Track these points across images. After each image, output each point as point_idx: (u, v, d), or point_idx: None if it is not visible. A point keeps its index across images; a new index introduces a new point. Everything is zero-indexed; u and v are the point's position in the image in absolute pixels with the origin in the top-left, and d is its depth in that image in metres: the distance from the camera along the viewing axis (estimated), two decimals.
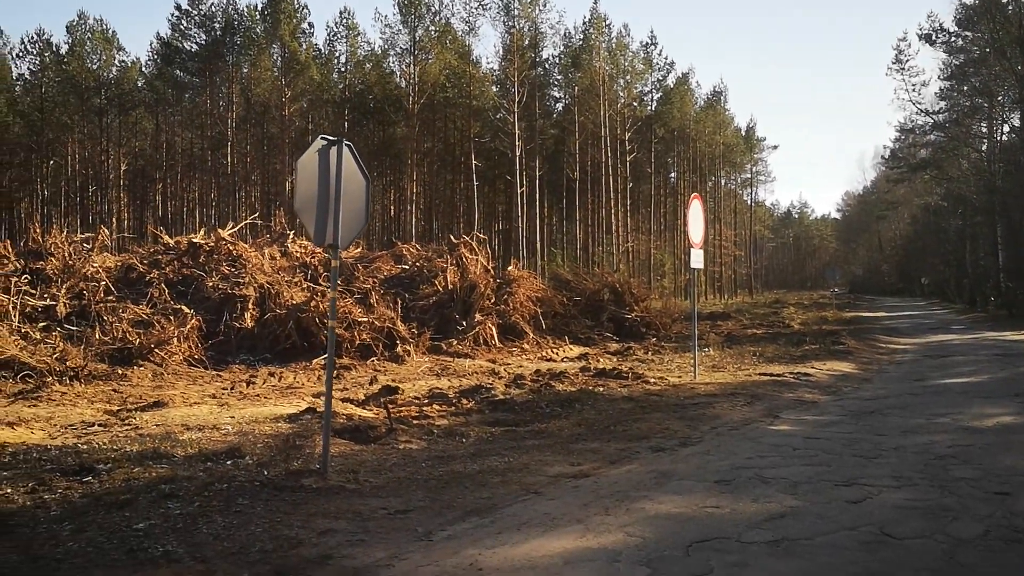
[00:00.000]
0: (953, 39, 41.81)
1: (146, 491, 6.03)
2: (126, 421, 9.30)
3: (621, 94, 58.81)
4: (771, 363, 16.15)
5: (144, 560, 4.64)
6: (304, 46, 54.41)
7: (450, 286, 19.80)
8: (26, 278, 16.18)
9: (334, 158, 6.88)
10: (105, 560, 4.63)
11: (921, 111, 44.79)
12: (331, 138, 6.98)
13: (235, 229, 21.30)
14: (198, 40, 55.08)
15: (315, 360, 15.28)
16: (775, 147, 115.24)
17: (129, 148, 59.43)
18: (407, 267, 21.57)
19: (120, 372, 13.19)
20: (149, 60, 58.85)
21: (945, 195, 51.53)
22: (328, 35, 58.44)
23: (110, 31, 58.53)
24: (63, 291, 15.86)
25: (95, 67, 56.38)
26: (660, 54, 64.65)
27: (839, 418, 9.76)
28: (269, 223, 28.23)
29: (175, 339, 14.79)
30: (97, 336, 14.21)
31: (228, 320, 16.26)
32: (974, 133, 43.99)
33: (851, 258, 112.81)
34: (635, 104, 61.04)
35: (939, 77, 45.76)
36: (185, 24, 55.08)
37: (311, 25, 67.48)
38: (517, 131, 47.64)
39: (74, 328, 14.75)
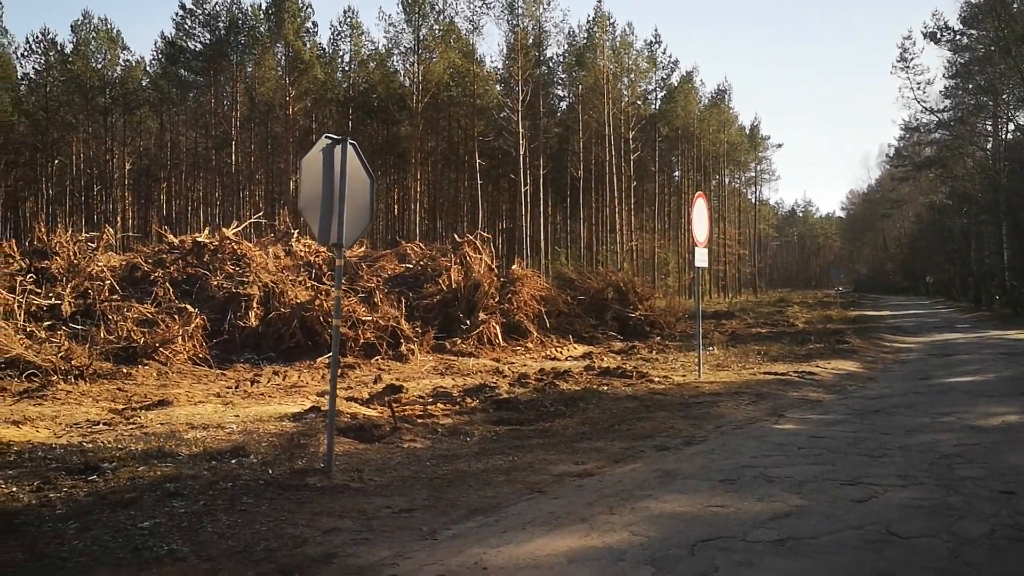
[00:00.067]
0: (958, 37, 41.74)
1: (151, 490, 6.04)
2: (131, 420, 9.32)
3: (625, 92, 58.75)
4: (775, 362, 16.12)
5: (149, 559, 4.64)
6: (308, 45, 54.51)
7: (454, 285, 19.80)
8: (31, 277, 16.22)
9: (338, 157, 6.88)
10: (110, 559, 4.64)
11: (926, 109, 44.68)
12: (335, 137, 6.97)
13: (239, 228, 21.33)
14: (202, 39, 55.21)
15: (319, 359, 15.30)
16: (779, 145, 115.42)
17: (134, 147, 59.56)
18: (411, 266, 21.58)
19: (125, 371, 13.21)
20: (153, 59, 59.13)
21: (950, 193, 51.44)
22: (332, 34, 58.59)
23: (114, 30, 58.70)
24: (68, 290, 15.88)
25: (100, 66, 56.53)
26: (664, 52, 64.84)
27: (844, 417, 9.74)
28: (273, 222, 28.27)
29: (180, 338, 14.81)
30: (102, 335, 14.23)
31: (232, 319, 16.28)
32: (979, 131, 43.92)
33: (855, 257, 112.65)
34: (639, 103, 60.99)
35: (944, 75, 45.75)
36: (189, 23, 55.21)
37: (315, 24, 67.47)
38: (521, 130, 47.61)
39: (79, 327, 14.77)
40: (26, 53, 57.55)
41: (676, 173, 74.10)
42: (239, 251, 18.84)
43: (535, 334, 20.13)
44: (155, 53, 59.04)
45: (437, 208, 59.40)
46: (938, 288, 62.80)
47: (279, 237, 22.13)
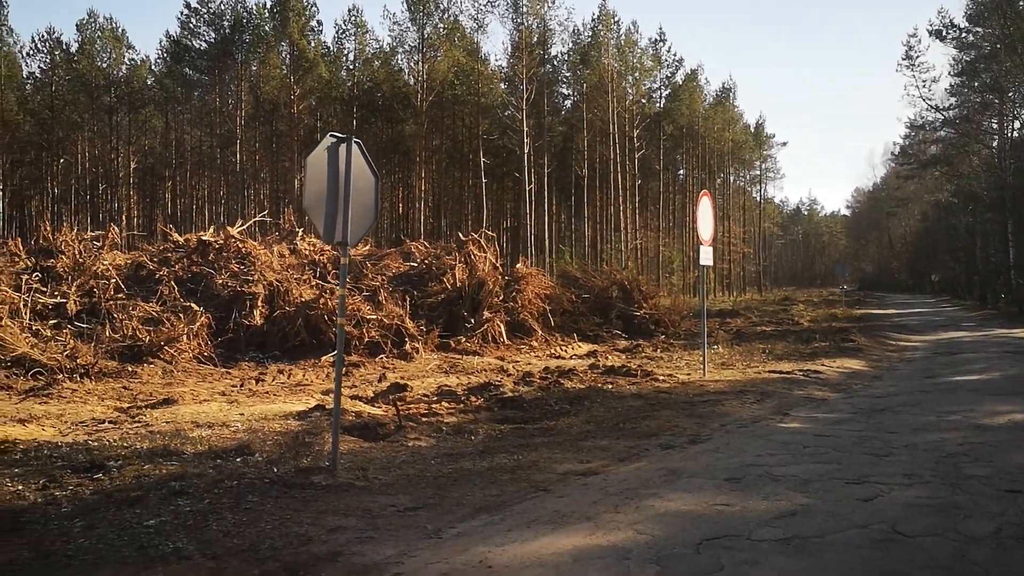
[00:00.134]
0: (964, 35, 41.65)
1: (156, 488, 6.05)
2: (136, 418, 9.33)
3: (630, 91, 58.70)
4: (781, 360, 16.10)
5: (155, 557, 4.65)
6: (313, 44, 54.58)
7: (458, 283, 19.79)
8: (37, 276, 16.25)
9: (343, 156, 6.88)
10: (116, 557, 4.64)
11: (931, 107, 44.68)
12: (340, 136, 6.97)
13: (244, 227, 21.35)
14: (207, 38, 55.29)
15: (324, 357, 15.31)
16: (784, 144, 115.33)
17: (139, 146, 59.67)
18: (416, 264, 21.57)
19: (130, 369, 13.22)
20: (159, 58, 59.18)
21: (955, 192, 51.35)
22: (337, 33, 58.54)
23: (120, 29, 58.83)
24: (74, 289, 15.91)
25: (105, 65, 56.63)
26: (669, 51, 64.81)
27: (849, 416, 9.73)
28: (278, 221, 28.25)
29: (185, 336, 14.83)
30: (107, 333, 14.25)
31: (237, 317, 16.29)
32: (984, 129, 43.82)
33: (861, 255, 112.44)
34: (644, 101, 60.95)
35: (949, 73, 45.64)
36: (195, 22, 55.29)
37: (320, 23, 67.51)
38: (525, 128, 47.60)
39: (84, 325, 14.80)
40: (32, 52, 57.81)
41: (681, 171, 74.07)
42: (244, 250, 18.86)
43: (539, 333, 20.12)
44: (160, 52, 59.21)
45: (441, 207, 59.42)
46: (943, 286, 62.70)
47: (284, 236, 22.14)
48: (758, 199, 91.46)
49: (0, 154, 55.13)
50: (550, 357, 17.74)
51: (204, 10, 54.96)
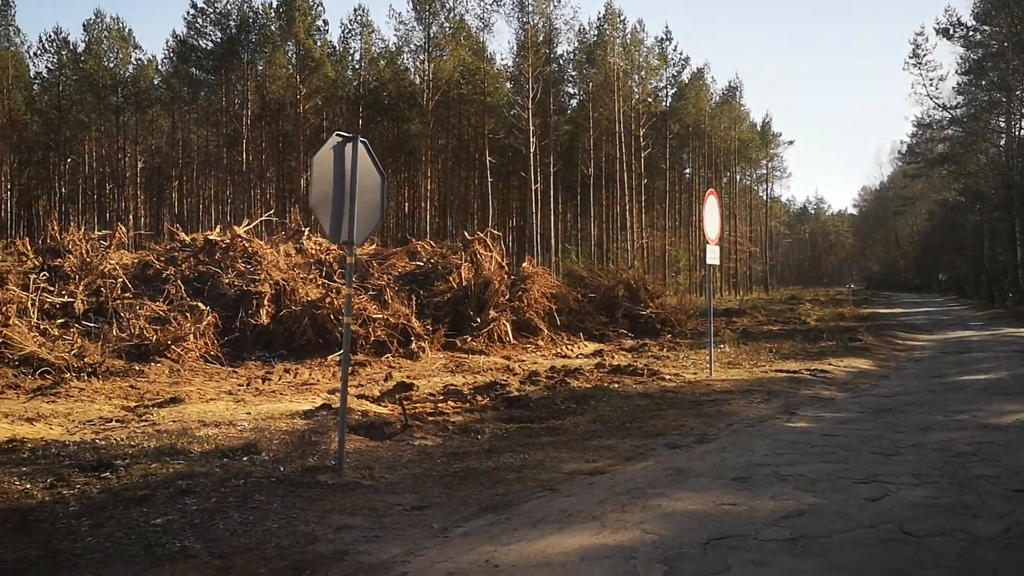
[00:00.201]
0: (971, 33, 41.53)
1: (163, 487, 6.06)
2: (143, 417, 9.35)
3: (636, 90, 58.66)
4: (787, 360, 16.07)
5: (162, 556, 4.66)
6: (319, 43, 54.63)
7: (464, 283, 19.79)
8: (44, 275, 16.30)
9: (349, 155, 6.88)
10: (123, 555, 4.65)
11: (938, 106, 44.53)
12: (346, 135, 6.98)
13: (251, 226, 21.38)
14: (214, 38, 55.38)
15: (330, 356, 15.32)
16: (791, 142, 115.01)
17: (145, 146, 59.82)
18: (422, 264, 21.58)
19: (137, 368, 13.26)
20: (165, 58, 59.35)
21: (963, 190, 51.21)
22: (343, 32, 58.74)
23: (126, 29, 58.99)
24: (81, 288, 15.96)
25: (112, 65, 56.82)
26: (675, 49, 64.62)
27: (857, 415, 9.70)
28: (284, 220, 28.32)
29: (191, 336, 14.86)
30: (114, 333, 14.29)
31: (244, 317, 16.32)
32: (992, 128, 43.66)
33: (868, 254, 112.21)
34: (650, 100, 60.90)
35: (957, 72, 45.48)
36: (201, 22, 55.39)
37: (325, 22, 67.63)
38: (531, 127, 47.61)
39: (92, 325, 14.84)
40: (39, 52, 58.03)
41: (687, 170, 73.99)
42: (250, 249, 18.89)
43: (546, 332, 20.12)
44: (167, 52, 59.39)
45: (448, 206, 59.45)
46: (951, 285, 62.52)
47: (290, 235, 22.17)
48: (764, 198, 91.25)
49: (8, 154, 55.34)
50: (556, 356, 17.73)
51: (210, 10, 55.07)
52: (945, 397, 11.01)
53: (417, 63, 54.00)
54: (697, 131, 68.03)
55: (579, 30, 58.37)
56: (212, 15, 55.16)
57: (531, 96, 47.96)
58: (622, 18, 58.20)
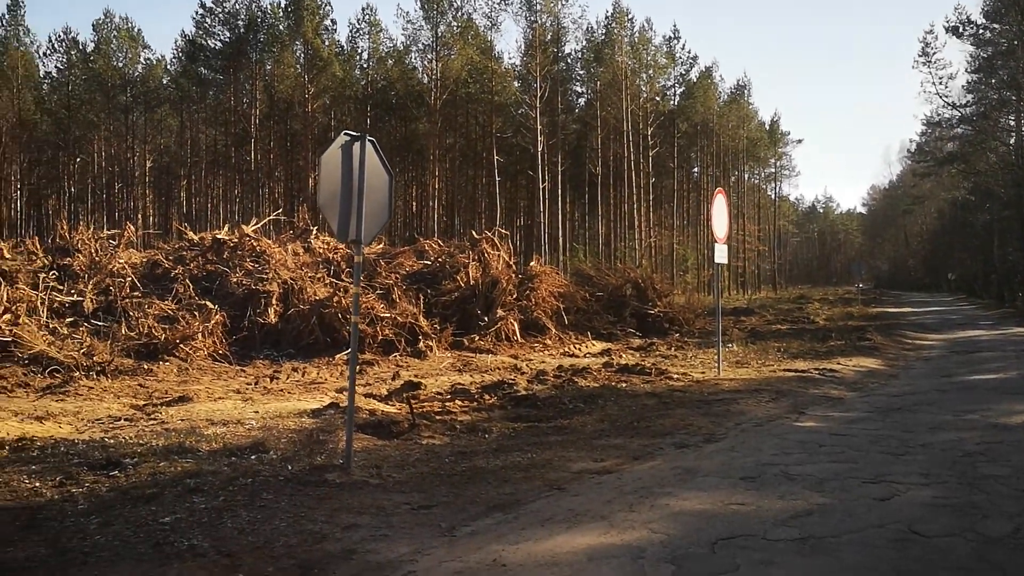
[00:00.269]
0: (981, 31, 41.29)
1: (172, 485, 6.08)
2: (152, 416, 9.38)
3: (644, 88, 58.58)
4: (796, 359, 16.02)
5: (170, 554, 4.67)
6: (327, 43, 54.77)
7: (472, 282, 19.79)
8: (54, 274, 16.37)
9: (357, 154, 6.88)
10: (132, 554, 4.67)
11: (948, 104, 44.31)
12: (354, 134, 6.98)
13: (259, 225, 21.45)
14: (222, 37, 55.56)
15: (338, 355, 15.34)
16: (799, 141, 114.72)
17: (154, 145, 60.05)
18: (429, 263, 21.58)
19: (146, 367, 13.30)
20: (174, 58, 59.50)
21: (972, 189, 51.00)
22: (351, 31, 58.78)
23: (135, 29, 59.22)
24: (90, 287, 16.02)
25: (121, 65, 57.04)
26: (683, 48, 64.50)
27: (866, 415, 9.66)
28: (292, 219, 28.38)
29: (200, 334, 14.89)
30: (123, 331, 14.33)
31: (252, 316, 16.35)
32: (1002, 126, 43.42)
33: (877, 253, 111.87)
34: (658, 98, 60.82)
35: (966, 70, 45.23)
36: (209, 22, 55.56)
37: (334, 22, 67.81)
38: (539, 126, 47.59)
39: (101, 323, 14.89)
40: (48, 52, 58.36)
41: (695, 169, 73.86)
42: (258, 248, 18.93)
43: (553, 331, 20.10)
44: (175, 51, 59.57)
45: (455, 205, 59.48)
46: (960, 285, 62.26)
47: (298, 234, 22.20)
48: (773, 197, 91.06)
49: (18, 153, 55.63)
50: (564, 355, 17.72)
51: (219, 9, 55.22)
52: (955, 397, 10.96)
53: (425, 62, 54.12)
54: (705, 130, 67.91)
55: (587, 29, 58.47)
56: (221, 15, 55.34)
57: (539, 95, 47.94)
58: (630, 17, 58.28)
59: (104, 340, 13.82)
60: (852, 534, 4.91)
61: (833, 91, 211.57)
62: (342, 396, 10.49)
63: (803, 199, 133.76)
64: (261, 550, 4.76)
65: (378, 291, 18.28)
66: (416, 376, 13.34)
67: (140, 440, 7.85)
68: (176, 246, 20.35)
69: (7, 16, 56.61)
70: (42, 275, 16.00)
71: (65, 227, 20.02)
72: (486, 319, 18.98)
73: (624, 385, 12.27)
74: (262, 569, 4.48)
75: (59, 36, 58.08)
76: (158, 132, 60.71)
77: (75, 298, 15.65)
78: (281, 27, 54.75)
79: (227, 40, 55.14)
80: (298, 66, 54.34)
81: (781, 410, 10.14)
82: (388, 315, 16.93)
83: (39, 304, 14.83)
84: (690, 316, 24.83)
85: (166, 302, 15.89)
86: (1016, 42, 37.86)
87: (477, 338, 18.16)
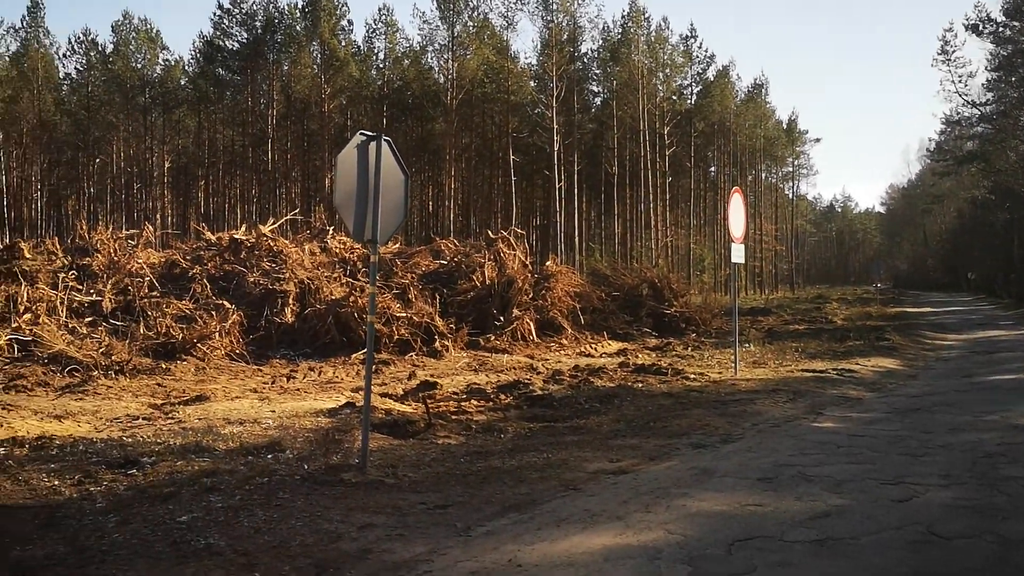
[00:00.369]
0: (1001, 29, 40.88)
1: (189, 484, 6.11)
2: (169, 415, 9.43)
3: (660, 88, 58.44)
4: (814, 359, 15.92)
5: (187, 552, 4.69)
6: (343, 43, 54.95)
7: (488, 281, 19.79)
8: (73, 274, 16.51)
9: (373, 154, 6.89)
10: (149, 552, 4.69)
11: (967, 103, 43.91)
12: (370, 134, 6.99)
13: (276, 225, 21.53)
14: (240, 38, 55.83)
15: (354, 355, 15.37)
16: (817, 140, 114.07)
17: (172, 146, 60.45)
18: (445, 262, 21.60)
19: (163, 366, 13.37)
20: (192, 59, 59.86)
21: (992, 188, 50.55)
22: (367, 32, 59.01)
23: (154, 30, 59.61)
24: (109, 287, 16.14)
25: (140, 66, 57.44)
26: (700, 47, 64.29)
27: (884, 415, 9.59)
28: (309, 219, 28.45)
29: (217, 334, 14.96)
30: (141, 331, 14.43)
31: (269, 315, 16.42)
32: (1022, 125, 42.97)
33: (895, 253, 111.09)
34: (674, 98, 60.67)
35: (986, 68, 44.75)
36: (227, 23, 55.83)
37: (350, 22, 68.06)
38: (555, 126, 47.55)
39: (119, 323, 14.99)
40: (68, 53, 58.86)
41: (712, 168, 73.53)
42: (275, 248, 19.01)
43: (569, 331, 20.07)
44: (193, 53, 59.93)
45: (471, 205, 59.51)
46: (980, 284, 61.71)
47: (315, 234, 22.27)
48: (790, 196, 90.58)
49: (38, 154, 56.18)
50: (580, 355, 17.69)
51: (236, 11, 55.50)
52: (974, 397, 10.86)
53: (441, 62, 54.21)
54: (722, 129, 67.62)
55: (603, 28, 58.37)
56: (238, 16, 55.62)
57: (555, 94, 47.92)
58: (646, 16, 58.13)
59: (123, 339, 13.91)
60: (871, 536, 4.87)
61: (852, 90, 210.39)
62: (358, 395, 10.51)
63: (821, 198, 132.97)
64: (277, 549, 4.78)
65: (394, 291, 18.31)
66: (432, 376, 13.35)
67: (158, 439, 7.90)
68: (194, 246, 20.48)
69: (27, 18, 57.23)
70: (62, 275, 16.14)
71: (84, 227, 20.19)
72: (502, 319, 18.97)
73: (640, 385, 12.23)
74: (278, 568, 4.49)
75: (79, 38, 58.55)
76: (176, 133, 61.11)
77: (94, 298, 15.77)
78: (298, 28, 55.00)
79: (244, 41, 55.44)
80: (315, 66, 54.56)
81: (799, 411, 10.09)
82: (404, 315, 16.95)
83: (59, 304, 14.95)
84: (707, 316, 24.73)
85: (184, 302, 15.99)
86: None
87: (493, 338, 18.16)
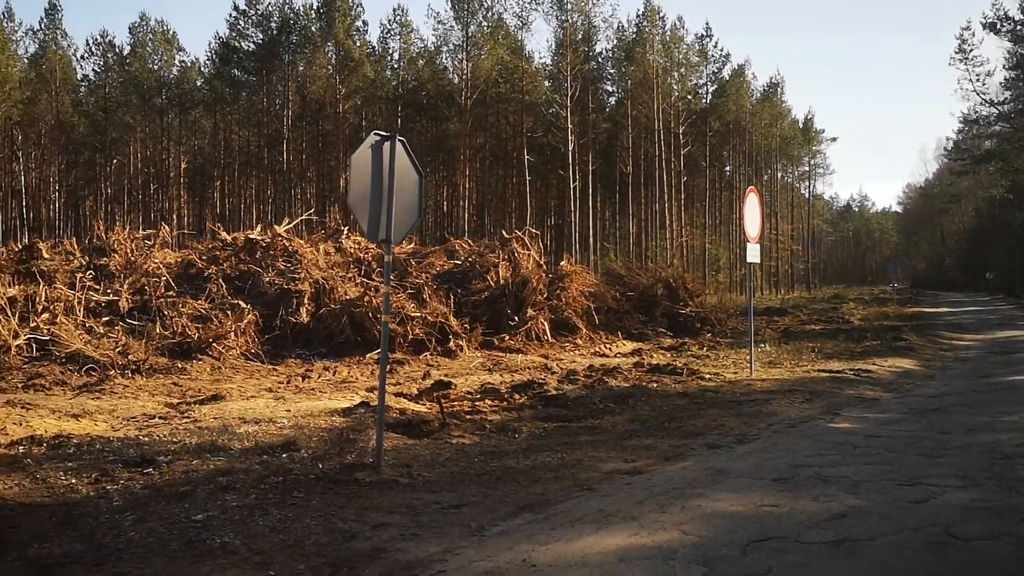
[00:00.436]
0: (1019, 28, 40.56)
1: (204, 483, 6.13)
2: (185, 414, 9.48)
3: (675, 87, 58.25)
4: (830, 359, 15.83)
5: (202, 551, 4.71)
6: (358, 44, 55.06)
7: (502, 281, 19.78)
8: (91, 274, 16.62)
9: (387, 154, 6.90)
10: (165, 550, 4.71)
11: (985, 101, 43.61)
12: (384, 134, 6.99)
13: (291, 225, 21.59)
14: (255, 39, 56.06)
15: (369, 354, 15.40)
16: (834, 139, 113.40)
17: (189, 146, 60.82)
18: (459, 262, 21.62)
19: (180, 366, 13.43)
20: (208, 60, 60.15)
21: (1011, 187, 50.16)
22: (382, 32, 59.10)
23: (170, 32, 59.94)
24: (126, 286, 16.23)
25: (156, 67, 57.76)
26: (715, 46, 63.99)
27: (902, 416, 9.53)
28: (324, 219, 28.56)
29: (232, 333, 15.03)
30: (158, 330, 14.51)
31: (284, 315, 16.48)
32: None
33: (912, 252, 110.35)
34: (689, 97, 60.45)
35: (1004, 66, 44.44)
36: (243, 24, 56.06)
37: (365, 23, 67.95)
38: (569, 126, 47.49)
39: (136, 323, 15.09)
40: (85, 55, 59.24)
41: (727, 168, 73.23)
42: (290, 248, 19.08)
43: (584, 330, 20.04)
44: (209, 54, 60.22)
45: (485, 205, 59.52)
46: (998, 284, 61.25)
47: (329, 234, 22.34)
48: (807, 195, 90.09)
49: (56, 155, 56.61)
50: (594, 355, 17.66)
51: (252, 12, 55.74)
52: (992, 398, 10.78)
53: (455, 62, 54.24)
54: (738, 128, 67.31)
55: (618, 27, 58.23)
56: (254, 17, 55.86)
57: (569, 94, 47.85)
58: (661, 15, 57.97)
59: (139, 339, 14.00)
60: (888, 537, 4.83)
61: (868, 89, 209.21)
62: (372, 395, 10.52)
63: (838, 198, 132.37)
64: (292, 548, 4.79)
65: (409, 291, 18.34)
66: (446, 375, 13.36)
67: (174, 438, 7.93)
68: (210, 246, 20.57)
69: (45, 20, 57.69)
70: (79, 275, 16.26)
71: (102, 228, 20.34)
72: (516, 319, 18.97)
73: (655, 385, 12.19)
74: (293, 567, 4.50)
75: (96, 40, 58.94)
76: (192, 134, 61.46)
77: (111, 297, 15.87)
78: (313, 28, 55.18)
79: (260, 42, 55.67)
80: (330, 67, 54.71)
81: (815, 411, 10.03)
82: (418, 314, 16.97)
83: (76, 303, 15.06)
84: (722, 316, 24.64)
85: (200, 301, 16.06)
86: None
87: (507, 337, 18.16)
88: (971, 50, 41.78)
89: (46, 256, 17.32)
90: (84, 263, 17.35)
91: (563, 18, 50.55)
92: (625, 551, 4.72)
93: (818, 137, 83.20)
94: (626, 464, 7.13)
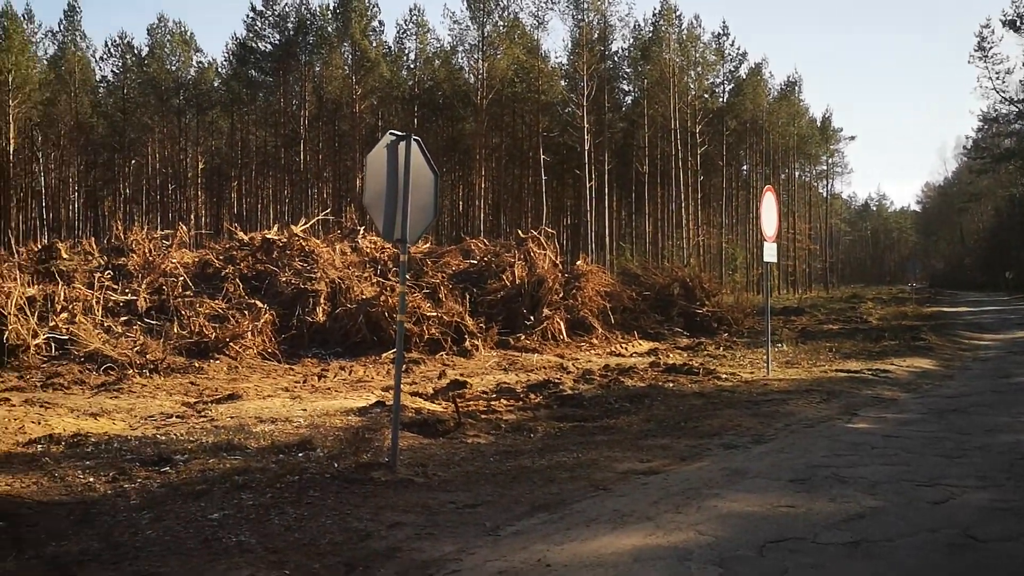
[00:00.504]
0: None
1: (221, 482, 6.16)
2: (202, 413, 9.52)
3: (692, 86, 58.02)
4: (848, 359, 15.73)
5: (218, 550, 4.73)
6: (374, 44, 55.25)
7: (518, 281, 19.77)
8: (109, 274, 16.74)
9: (403, 153, 6.90)
10: (181, 549, 4.73)
11: (1005, 99, 43.25)
12: (400, 134, 6.99)
13: (307, 225, 21.66)
14: (272, 40, 56.33)
15: (385, 354, 15.44)
16: (852, 138, 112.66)
17: (206, 147, 61.15)
18: (475, 262, 21.62)
19: (197, 365, 13.51)
20: (225, 61, 60.52)
21: None
22: (398, 32, 59.21)
23: (188, 33, 60.33)
24: (144, 286, 16.33)
25: (174, 68, 58.16)
26: (732, 44, 63.72)
27: (920, 416, 9.45)
28: (340, 219, 28.63)
29: (249, 333, 15.10)
30: (175, 330, 14.59)
31: (300, 314, 16.54)
32: None
33: (931, 252, 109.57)
34: (706, 96, 60.15)
35: None
36: (260, 24, 56.35)
37: (381, 23, 68.07)
38: (586, 125, 47.42)
39: (154, 322, 15.18)
40: (104, 56, 59.83)
41: (744, 167, 72.89)
42: (307, 248, 19.13)
43: (600, 330, 20.00)
44: (226, 55, 60.57)
45: (501, 204, 59.55)
46: (1018, 284, 60.61)
47: (346, 234, 22.39)
48: (825, 195, 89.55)
49: (75, 156, 57.10)
50: (610, 355, 17.62)
51: (269, 12, 56.00)
52: (1012, 398, 10.68)
53: (471, 62, 54.27)
54: (755, 127, 66.94)
55: (634, 26, 58.10)
56: (270, 17, 56.14)
57: (585, 94, 47.78)
58: (678, 13, 57.78)
59: (157, 338, 14.08)
60: (906, 538, 4.79)
61: (887, 87, 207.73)
62: (388, 394, 10.53)
63: (856, 197, 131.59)
64: (307, 547, 4.80)
65: (424, 290, 18.36)
66: (462, 375, 13.37)
67: (191, 437, 7.98)
68: (227, 246, 20.66)
69: (64, 22, 58.16)
70: (98, 275, 16.38)
71: (120, 228, 20.48)
72: (532, 318, 18.96)
73: (671, 385, 12.15)
74: (308, 566, 4.51)
75: (115, 41, 59.47)
76: (210, 134, 61.81)
77: (129, 297, 15.97)
78: (330, 29, 55.38)
79: (277, 42, 55.94)
80: (346, 67, 54.88)
81: (832, 411, 9.96)
82: (434, 314, 16.99)
83: (95, 303, 15.16)
84: (739, 315, 24.52)
85: (217, 301, 16.14)
86: None
87: (523, 337, 18.15)
88: (991, 48, 41.48)
89: (65, 256, 17.47)
90: (103, 263, 17.48)
91: (579, 17, 50.54)
92: (640, 551, 4.70)
93: (836, 136, 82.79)
94: (642, 464, 7.10)
